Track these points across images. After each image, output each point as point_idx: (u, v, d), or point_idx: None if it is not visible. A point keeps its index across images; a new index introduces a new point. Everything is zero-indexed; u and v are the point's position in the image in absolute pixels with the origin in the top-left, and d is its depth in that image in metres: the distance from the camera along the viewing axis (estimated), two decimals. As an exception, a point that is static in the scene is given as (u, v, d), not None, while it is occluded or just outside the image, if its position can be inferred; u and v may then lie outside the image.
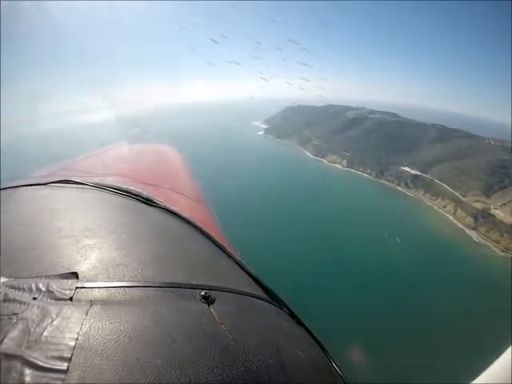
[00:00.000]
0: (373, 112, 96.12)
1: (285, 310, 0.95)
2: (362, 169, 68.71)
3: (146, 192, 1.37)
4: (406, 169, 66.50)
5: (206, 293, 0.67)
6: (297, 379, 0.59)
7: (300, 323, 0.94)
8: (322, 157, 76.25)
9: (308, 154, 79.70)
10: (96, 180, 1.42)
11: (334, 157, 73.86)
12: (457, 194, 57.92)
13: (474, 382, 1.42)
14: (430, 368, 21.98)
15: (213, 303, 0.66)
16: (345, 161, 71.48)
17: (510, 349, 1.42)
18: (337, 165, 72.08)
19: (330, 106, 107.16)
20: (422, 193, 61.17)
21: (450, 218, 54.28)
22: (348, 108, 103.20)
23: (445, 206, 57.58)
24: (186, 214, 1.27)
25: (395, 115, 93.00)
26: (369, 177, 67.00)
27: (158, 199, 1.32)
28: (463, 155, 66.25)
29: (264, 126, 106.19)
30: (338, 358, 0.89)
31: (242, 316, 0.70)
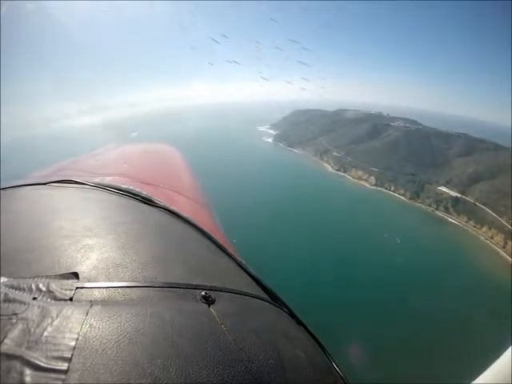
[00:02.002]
0: (392, 119, 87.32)
1: (285, 310, 0.95)
2: (393, 188, 59.32)
3: (145, 192, 1.38)
4: (444, 189, 57.71)
5: (206, 293, 0.67)
6: (297, 379, 0.59)
7: (300, 323, 0.94)
8: (345, 171, 66.22)
9: (327, 167, 69.57)
10: (96, 180, 1.43)
11: (360, 172, 64.03)
12: (503, 221, 49.78)
13: (474, 382, 1.42)
14: (429, 368, 22.11)
15: (213, 303, 0.66)
16: (372, 178, 61.74)
17: (510, 349, 1.42)
18: (363, 182, 62.28)
19: (343, 111, 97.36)
20: (465, 219, 52.47)
21: (501, 252, 45.85)
22: (363, 113, 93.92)
23: (492, 237, 49.01)
24: (186, 214, 1.27)
25: (416, 122, 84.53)
26: (402, 198, 57.68)
27: (157, 199, 1.32)
28: (497, 171, 58.01)
29: (272, 132, 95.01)
30: (337, 358, 0.89)
31: (243, 316, 0.70)
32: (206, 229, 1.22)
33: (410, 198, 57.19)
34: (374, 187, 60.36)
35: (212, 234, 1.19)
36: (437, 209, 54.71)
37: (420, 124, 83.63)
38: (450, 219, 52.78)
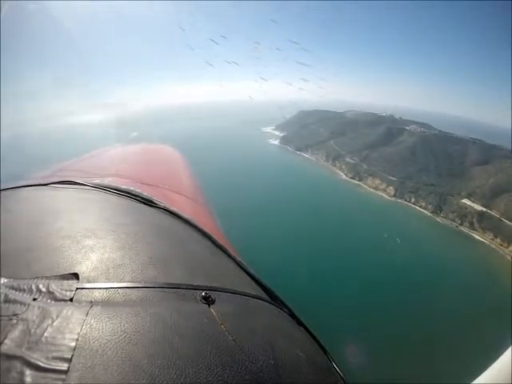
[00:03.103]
0: (405, 122, 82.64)
1: (285, 310, 0.95)
2: (413, 200, 54.71)
3: (145, 192, 1.38)
4: (467, 202, 53.39)
5: (206, 293, 0.67)
6: (297, 379, 0.59)
7: (300, 323, 0.94)
8: (360, 180, 61.19)
9: (340, 174, 64.39)
10: (96, 180, 1.44)
11: (377, 181, 59.12)
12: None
13: (474, 382, 1.41)
14: (429, 368, 22.21)
15: (213, 304, 0.66)
16: (391, 188, 56.92)
17: (510, 349, 1.41)
18: (380, 192, 57.46)
19: (352, 112, 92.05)
20: (491, 237, 48.43)
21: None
22: (373, 115, 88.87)
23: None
24: (186, 215, 1.27)
25: (429, 126, 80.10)
26: (424, 211, 53.19)
27: (157, 200, 1.33)
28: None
29: (278, 134, 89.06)
30: (337, 358, 0.89)
31: (243, 316, 0.70)
32: (205, 229, 1.21)
33: (432, 212, 52.73)
34: (393, 198, 55.58)
35: (212, 235, 1.18)
36: (461, 224, 50.47)
37: (433, 128, 79.29)
38: (476, 236, 48.59)
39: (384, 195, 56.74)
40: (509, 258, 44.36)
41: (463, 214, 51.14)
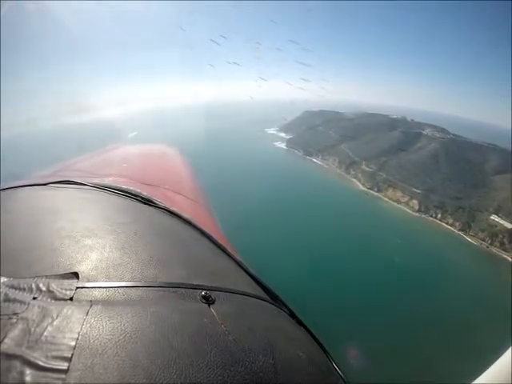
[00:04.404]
0: (418, 125, 77.38)
1: (285, 309, 0.95)
2: (440, 216, 49.63)
3: (145, 192, 1.39)
4: (496, 219, 48.96)
5: (206, 293, 0.67)
6: (297, 379, 0.59)
7: (300, 323, 0.93)
8: (379, 191, 55.46)
9: (357, 183, 58.50)
10: (96, 180, 1.44)
11: (398, 193, 53.55)
12: None
13: (474, 382, 1.42)
14: (430, 368, 22.11)
15: (213, 303, 0.66)
16: (415, 201, 51.52)
17: (510, 349, 1.41)
18: (403, 206, 51.99)
19: (363, 115, 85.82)
20: (525, 258, 44.21)
21: None
22: (384, 116, 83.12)
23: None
24: (186, 215, 1.27)
25: (444, 130, 75.21)
26: (451, 229, 48.26)
27: (157, 199, 1.34)
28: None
29: (284, 136, 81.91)
30: (337, 358, 0.89)
31: (243, 316, 0.70)
32: (205, 229, 1.21)
33: (460, 230, 47.86)
34: (418, 214, 50.27)
35: (212, 235, 1.19)
36: (491, 244, 45.89)
37: (448, 132, 74.47)
38: (505, 257, 44.15)
39: (407, 209, 51.28)
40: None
41: (493, 233, 46.49)
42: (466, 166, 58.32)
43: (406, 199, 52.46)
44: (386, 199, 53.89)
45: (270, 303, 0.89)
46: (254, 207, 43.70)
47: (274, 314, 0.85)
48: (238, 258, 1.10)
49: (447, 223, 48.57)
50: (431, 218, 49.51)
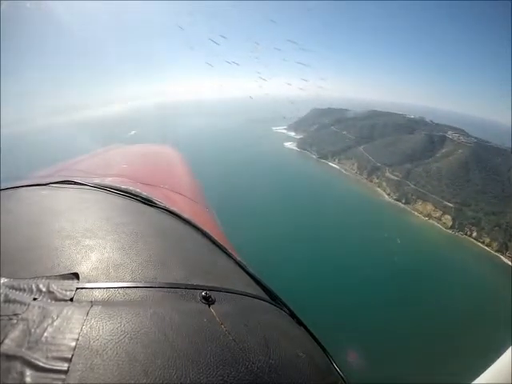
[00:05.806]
0: (437, 126, 71.77)
1: (285, 309, 0.95)
2: (475, 234, 44.82)
3: (145, 192, 1.39)
4: (534, 237, 44.91)
5: (206, 293, 0.67)
6: (297, 379, 0.59)
7: (300, 323, 0.94)
8: (407, 202, 50.04)
9: (382, 193, 52.72)
10: (96, 180, 1.44)
11: (429, 207, 48.16)
12: None
13: (474, 382, 1.42)
14: (430, 368, 22.04)
15: (213, 303, 0.66)
16: (448, 217, 46.37)
17: (510, 349, 1.42)
18: (434, 222, 46.79)
19: (376, 113, 79.13)
20: None
21: None
22: (400, 116, 76.90)
23: None
24: (186, 215, 1.27)
25: (465, 132, 70.05)
26: (487, 249, 43.62)
27: (157, 199, 1.33)
28: None
29: (293, 135, 75.33)
30: (337, 358, 0.89)
31: (243, 316, 0.70)
32: (205, 229, 1.21)
33: (497, 250, 43.30)
34: (451, 231, 45.26)
35: (212, 235, 1.18)
36: (531, 266, 41.70)
37: (469, 134, 69.36)
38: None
39: (439, 225, 46.14)
40: None
41: (533, 254, 42.27)
42: (497, 176, 53.49)
43: (437, 214, 47.23)
44: (413, 212, 48.50)
45: (270, 303, 0.89)
46: (271, 220, 38.05)
47: (273, 314, 0.85)
48: (238, 258, 1.09)
49: (483, 243, 43.79)
50: (465, 236, 44.60)
